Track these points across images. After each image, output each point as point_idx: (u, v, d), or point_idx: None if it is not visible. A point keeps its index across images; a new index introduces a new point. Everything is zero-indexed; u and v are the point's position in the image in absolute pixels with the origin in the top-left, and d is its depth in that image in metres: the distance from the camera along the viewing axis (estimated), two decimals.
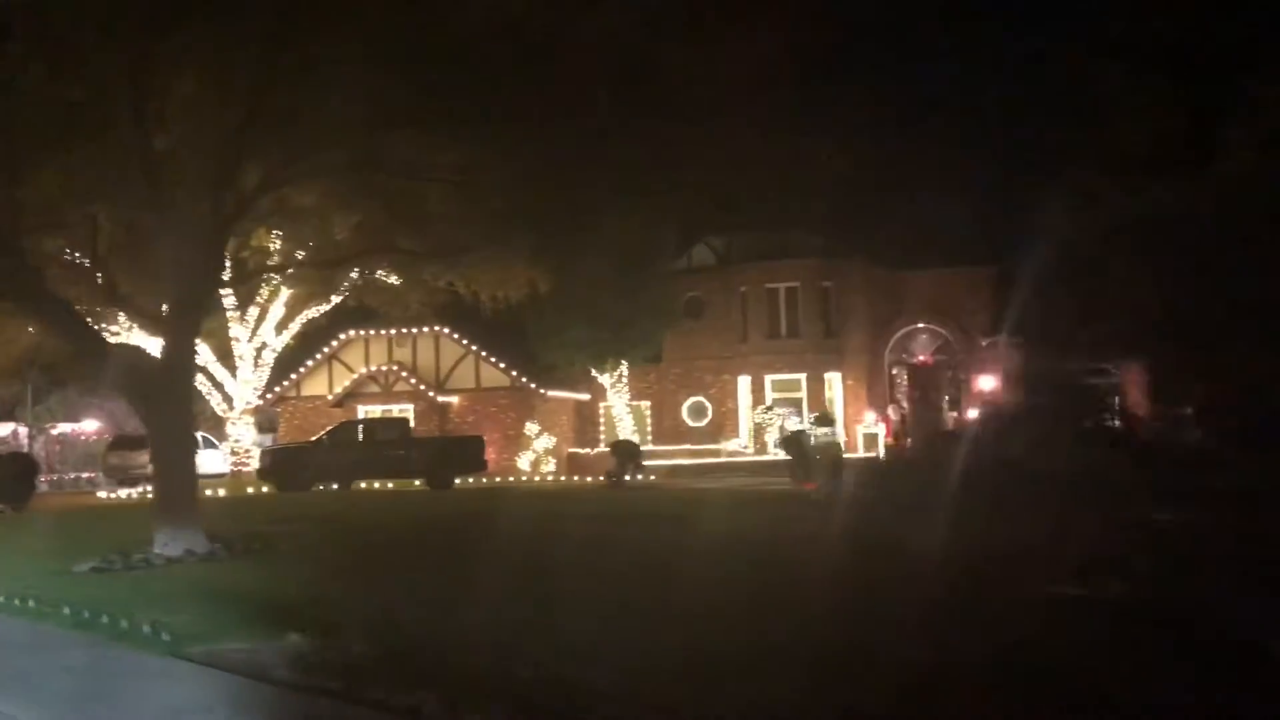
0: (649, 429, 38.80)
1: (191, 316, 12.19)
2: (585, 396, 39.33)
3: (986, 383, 37.15)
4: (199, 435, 37.87)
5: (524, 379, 36.41)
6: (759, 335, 36.74)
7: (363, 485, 29.27)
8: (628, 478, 26.22)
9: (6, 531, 16.22)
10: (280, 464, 27.75)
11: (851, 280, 36.77)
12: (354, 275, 30.57)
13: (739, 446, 35.67)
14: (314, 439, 29.15)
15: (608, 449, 27.45)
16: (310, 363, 37.55)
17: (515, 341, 36.90)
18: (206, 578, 10.35)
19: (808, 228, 36.62)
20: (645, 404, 39.22)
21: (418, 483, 28.89)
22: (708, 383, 38.31)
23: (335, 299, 32.42)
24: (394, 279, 30.64)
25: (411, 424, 31.10)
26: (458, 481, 27.87)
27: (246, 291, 32.24)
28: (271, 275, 31.13)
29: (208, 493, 30.11)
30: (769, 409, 35.33)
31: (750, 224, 37.57)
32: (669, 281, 36.04)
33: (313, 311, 33.52)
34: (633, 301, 34.40)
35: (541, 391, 36.61)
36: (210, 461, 37.17)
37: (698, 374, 38.41)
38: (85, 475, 40.40)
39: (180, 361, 12.08)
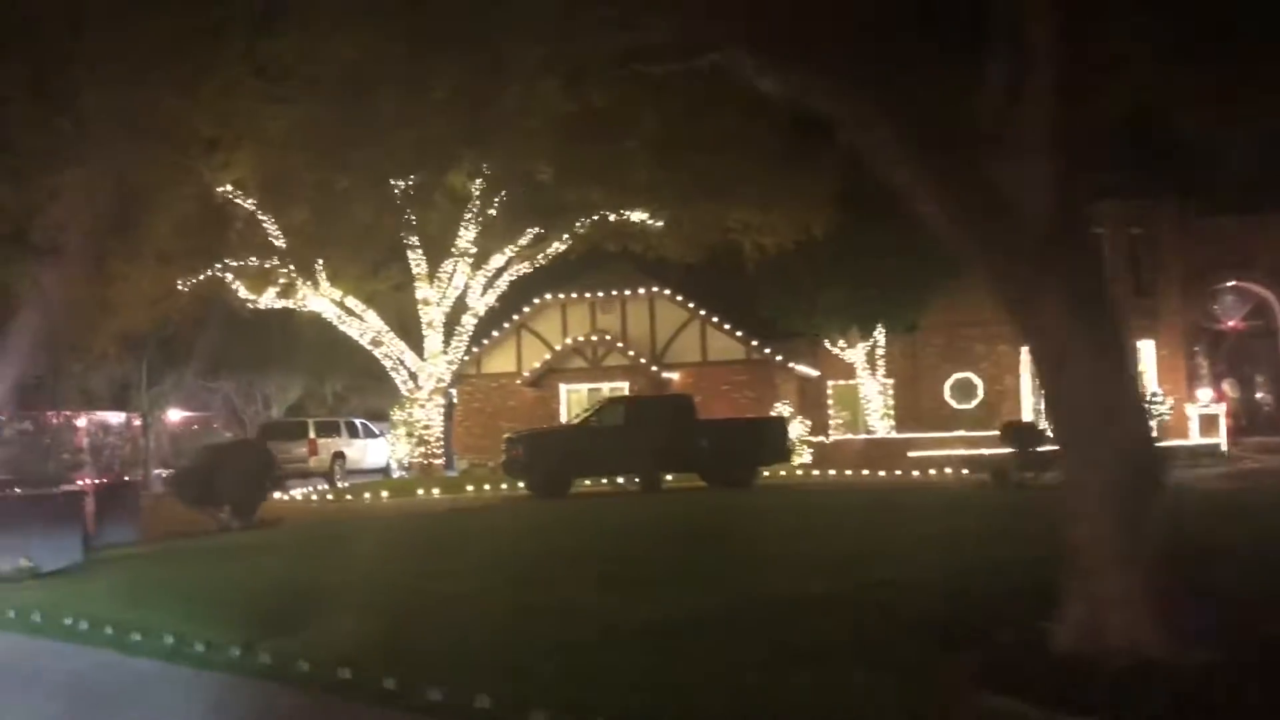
0: (891, 411, 31.88)
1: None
2: (814, 373, 32.49)
3: None
4: (355, 421, 31.30)
5: (766, 349, 29.59)
6: None
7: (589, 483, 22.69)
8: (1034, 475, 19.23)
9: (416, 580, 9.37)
10: (539, 455, 20.92)
11: (1163, 226, 29.85)
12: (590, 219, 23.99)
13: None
14: (576, 421, 22.37)
15: (999, 432, 20.69)
16: (496, 334, 30.74)
17: (738, 307, 30.20)
18: None
19: (1102, 161, 29.80)
20: (873, 382, 32.18)
21: (669, 477, 22.22)
22: (977, 355, 31.39)
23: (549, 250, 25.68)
24: (647, 217, 24.11)
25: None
26: None
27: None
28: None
29: (435, 493, 23.41)
30: None
31: None
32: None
33: (525, 266, 26.69)
34: (904, 253, 27.61)
35: (789, 366, 29.83)
36: (372, 453, 30.47)
37: (964, 344, 31.49)
38: None
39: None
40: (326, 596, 8.31)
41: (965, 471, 23.67)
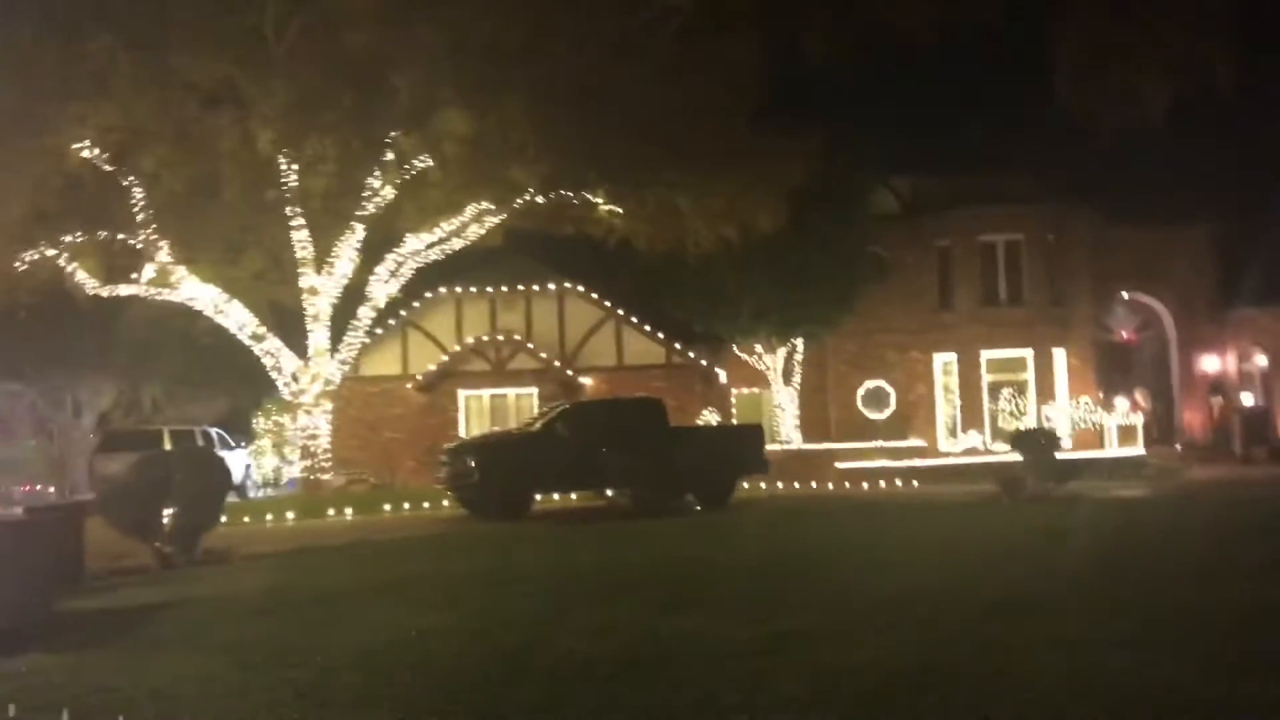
0: (797, 421, 30.13)
1: None
2: (722, 379, 30.42)
3: (1212, 363, 30.94)
4: (211, 431, 26.90)
5: (690, 353, 27.36)
6: (969, 301, 29.08)
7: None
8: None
9: None
10: (495, 469, 17.75)
11: (1076, 235, 29.66)
12: (533, 196, 21.05)
13: (980, 442, 27.72)
14: (534, 427, 19.31)
15: (1009, 441, 19.12)
16: (379, 332, 26.98)
17: (655, 310, 27.88)
18: None
19: (1015, 166, 29.38)
20: (788, 391, 30.40)
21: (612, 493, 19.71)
22: (890, 362, 30.20)
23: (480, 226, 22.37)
24: (600, 201, 21.40)
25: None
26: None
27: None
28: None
29: (347, 513, 19.65)
30: (1018, 394, 27.72)
31: (942, 163, 30.08)
32: (860, 229, 27.71)
33: (436, 252, 23.17)
34: (827, 254, 26.19)
35: (716, 371, 27.66)
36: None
37: (878, 351, 30.25)
38: None
39: None
40: None
41: (915, 484, 22.54)
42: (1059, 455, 18.36)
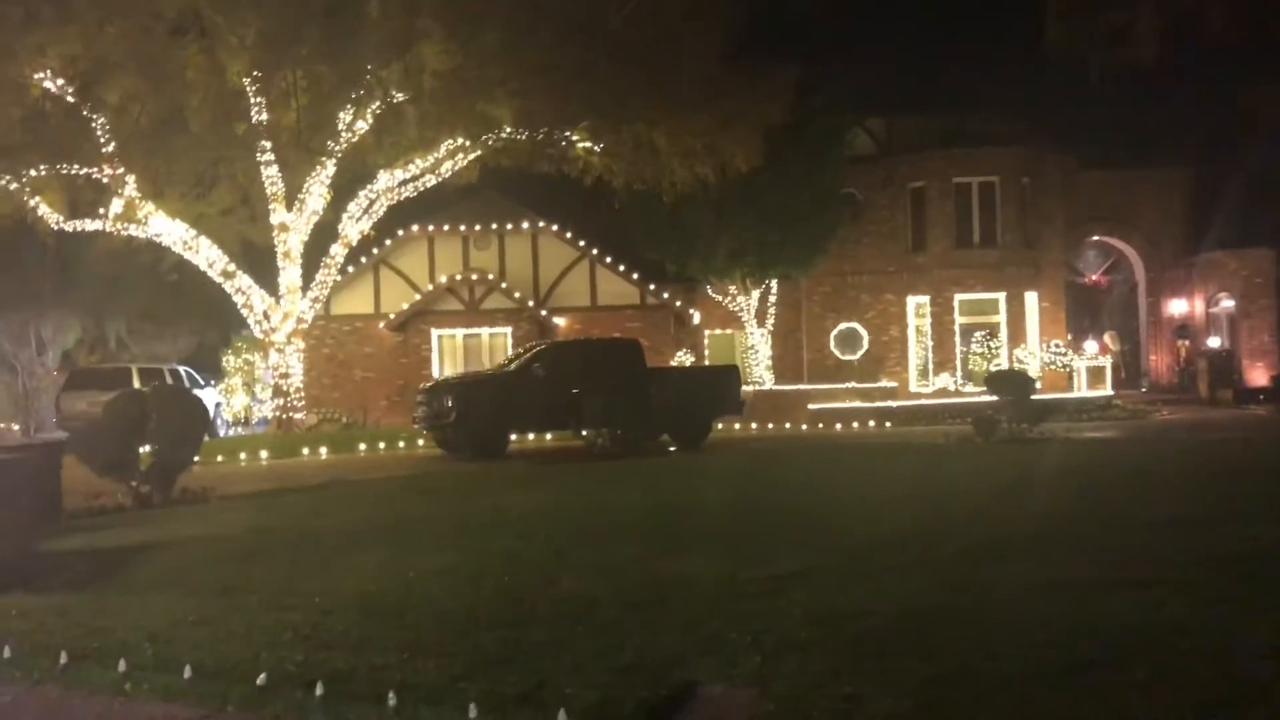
0: (770, 362, 30.15)
1: None
2: (695, 320, 30.38)
3: (1179, 306, 31.23)
4: (179, 369, 26.57)
5: (665, 294, 27.25)
6: (943, 244, 29.07)
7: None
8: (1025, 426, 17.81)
9: None
10: (473, 409, 17.68)
11: (1049, 178, 29.67)
12: (511, 133, 20.69)
13: (951, 384, 27.90)
14: (510, 367, 19.18)
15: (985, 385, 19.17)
16: (351, 269, 26.64)
17: (620, 249, 27.67)
18: None
19: (991, 108, 29.30)
20: (761, 332, 30.35)
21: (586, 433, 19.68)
22: (864, 304, 30.28)
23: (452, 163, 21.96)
24: (578, 139, 21.09)
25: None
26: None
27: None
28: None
29: (322, 453, 19.50)
30: (990, 336, 27.87)
31: (919, 104, 29.90)
32: (836, 170, 27.57)
33: (409, 190, 22.76)
34: (803, 195, 26.08)
35: (690, 312, 27.57)
36: None
37: (851, 293, 30.31)
38: None
39: None
40: None
41: (887, 425, 22.77)
42: (1032, 397, 18.44)
